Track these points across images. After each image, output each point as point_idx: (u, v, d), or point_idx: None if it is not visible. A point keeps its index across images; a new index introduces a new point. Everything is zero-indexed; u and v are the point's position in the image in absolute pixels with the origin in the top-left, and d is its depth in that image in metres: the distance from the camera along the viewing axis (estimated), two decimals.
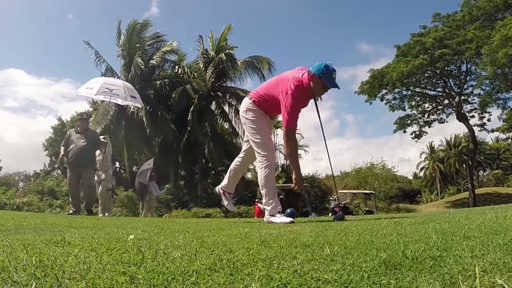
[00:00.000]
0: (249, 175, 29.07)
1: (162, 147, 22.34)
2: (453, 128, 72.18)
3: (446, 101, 28.29)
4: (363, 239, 1.55)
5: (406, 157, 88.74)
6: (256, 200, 16.66)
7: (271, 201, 3.35)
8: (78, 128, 6.69)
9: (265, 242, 1.50)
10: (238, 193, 22.22)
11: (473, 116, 27.23)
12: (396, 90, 27.38)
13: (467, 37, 22.64)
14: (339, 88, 3.25)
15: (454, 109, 27.13)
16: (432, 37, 24.02)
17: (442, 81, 27.54)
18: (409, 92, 28.26)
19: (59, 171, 31.09)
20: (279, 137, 27.50)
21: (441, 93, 28.15)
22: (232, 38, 23.22)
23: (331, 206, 17.04)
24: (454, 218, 2.56)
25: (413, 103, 28.60)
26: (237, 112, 22.81)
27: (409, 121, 28.66)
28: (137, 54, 20.86)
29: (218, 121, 23.36)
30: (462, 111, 26.61)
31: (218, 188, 3.91)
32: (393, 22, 76.60)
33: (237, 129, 22.60)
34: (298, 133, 26.97)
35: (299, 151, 27.24)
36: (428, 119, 28.81)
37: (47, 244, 1.34)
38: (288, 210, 10.43)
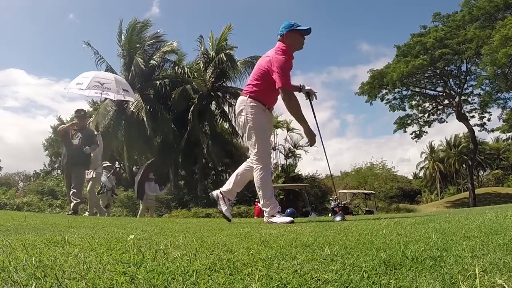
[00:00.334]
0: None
1: (162, 147, 22.33)
2: (453, 128, 72.23)
3: (446, 101, 28.31)
4: (363, 239, 1.55)
5: (406, 157, 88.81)
6: (256, 200, 16.66)
7: (269, 202, 3.35)
8: (75, 126, 6.52)
9: (265, 242, 1.50)
10: (238, 193, 22.24)
11: (473, 116, 27.26)
12: (396, 90, 27.40)
13: (467, 37, 22.64)
14: (310, 28, 3.36)
15: (454, 109, 27.15)
16: (432, 37, 24.03)
17: (442, 81, 27.55)
18: (409, 92, 28.28)
19: (59, 171, 31.09)
20: (279, 137, 27.53)
21: (441, 93, 28.16)
22: (232, 38, 23.24)
23: (331, 206, 17.04)
24: (454, 218, 2.56)
25: (413, 103, 28.62)
26: None
27: (409, 121, 28.67)
28: (138, 53, 20.87)
29: (218, 121, 23.36)
30: (462, 111, 26.62)
31: (216, 192, 3.65)
32: (393, 22, 76.63)
33: (237, 129, 22.60)
34: (298, 133, 26.98)
35: (299, 151, 27.26)
36: (428, 119, 28.82)
37: (47, 244, 1.34)
38: (288, 210, 10.44)
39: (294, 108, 3.25)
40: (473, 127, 26.90)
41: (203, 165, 24.70)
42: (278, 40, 3.36)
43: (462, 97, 26.85)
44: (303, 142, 27.18)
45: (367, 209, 19.80)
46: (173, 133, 21.15)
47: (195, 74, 22.79)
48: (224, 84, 23.45)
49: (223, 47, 22.34)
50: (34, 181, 26.23)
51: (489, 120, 26.95)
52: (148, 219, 7.02)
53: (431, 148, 54.17)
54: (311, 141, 3.36)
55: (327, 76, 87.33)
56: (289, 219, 3.29)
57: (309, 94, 3.61)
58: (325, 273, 0.90)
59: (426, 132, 29.15)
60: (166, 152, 22.35)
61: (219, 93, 23.40)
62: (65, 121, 32.22)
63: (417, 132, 28.97)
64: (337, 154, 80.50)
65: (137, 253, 1.15)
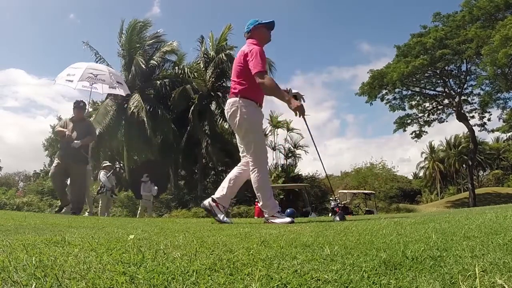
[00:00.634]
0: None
1: (162, 147, 22.33)
2: (453, 128, 72.20)
3: (446, 101, 28.32)
4: (363, 239, 1.55)
5: (406, 157, 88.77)
6: (256, 200, 16.64)
7: (268, 202, 3.34)
8: (73, 117, 6.08)
9: (265, 242, 1.50)
10: (238, 193, 22.24)
11: (473, 116, 27.26)
12: (396, 90, 27.40)
13: (467, 37, 22.64)
14: (273, 21, 3.56)
15: (454, 109, 27.15)
16: (432, 37, 24.03)
17: (442, 81, 27.56)
18: (409, 92, 28.28)
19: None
20: (279, 137, 27.53)
21: (441, 93, 28.17)
22: (232, 38, 23.21)
23: (331, 206, 17.04)
24: (454, 218, 2.56)
25: (413, 102, 28.63)
26: None
27: (409, 121, 28.69)
28: (138, 53, 20.87)
29: (218, 121, 23.37)
30: (462, 111, 26.62)
31: (208, 201, 3.42)
32: (394, 22, 76.57)
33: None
34: (298, 133, 27.00)
35: (299, 151, 27.27)
36: (428, 119, 28.84)
37: (47, 244, 1.34)
38: (288, 210, 10.44)
39: (269, 87, 3.24)
40: (473, 127, 26.93)
41: (203, 165, 24.70)
42: (247, 38, 3.54)
43: (462, 97, 26.86)
44: (303, 142, 27.21)
45: (367, 209, 19.79)
46: (173, 133, 21.15)
47: (195, 74, 22.80)
48: (224, 84, 23.46)
49: (223, 47, 22.35)
50: (34, 181, 26.23)
51: (489, 120, 26.98)
52: (148, 219, 7.01)
53: (431, 148, 54.18)
54: (300, 110, 3.27)
55: (327, 76, 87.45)
56: (289, 219, 3.28)
57: (297, 97, 3.61)
58: (325, 273, 0.90)
59: (426, 132, 29.19)
60: (166, 152, 22.35)
61: (219, 93, 23.41)
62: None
63: (417, 132, 28.99)
64: (337, 154, 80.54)
65: (137, 253, 1.15)
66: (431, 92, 28.45)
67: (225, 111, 3.47)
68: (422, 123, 28.81)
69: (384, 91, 27.51)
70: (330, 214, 16.20)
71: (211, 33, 23.70)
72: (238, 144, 3.55)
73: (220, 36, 22.78)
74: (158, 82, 22.21)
